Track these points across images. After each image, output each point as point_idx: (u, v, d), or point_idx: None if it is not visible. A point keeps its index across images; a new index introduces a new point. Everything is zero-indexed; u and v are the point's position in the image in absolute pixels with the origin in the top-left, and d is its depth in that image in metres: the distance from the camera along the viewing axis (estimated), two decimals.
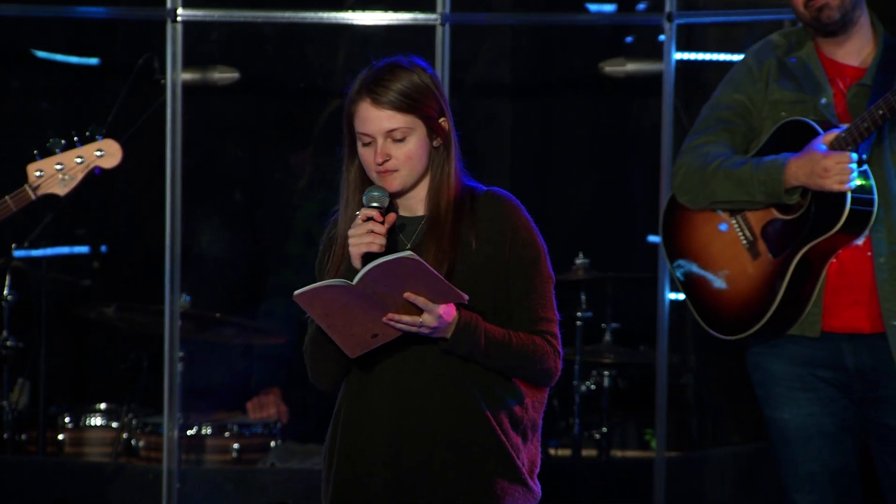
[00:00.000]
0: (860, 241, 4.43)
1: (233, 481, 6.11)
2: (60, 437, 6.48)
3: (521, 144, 7.43)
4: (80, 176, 4.89)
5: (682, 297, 4.82)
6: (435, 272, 3.34)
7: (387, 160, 3.48)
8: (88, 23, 7.14)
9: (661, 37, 6.21)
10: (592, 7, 7.40)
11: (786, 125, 4.49)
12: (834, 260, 4.44)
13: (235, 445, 6.35)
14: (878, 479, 4.58)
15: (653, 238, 6.91)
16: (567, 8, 7.34)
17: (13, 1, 6.31)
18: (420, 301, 3.37)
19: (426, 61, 3.57)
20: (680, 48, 6.33)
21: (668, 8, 6.11)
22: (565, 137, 7.49)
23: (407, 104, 3.49)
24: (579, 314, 6.58)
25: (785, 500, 4.59)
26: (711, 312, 4.63)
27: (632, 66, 6.73)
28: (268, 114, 7.44)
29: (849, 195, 4.34)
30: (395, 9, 6.33)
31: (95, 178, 4.92)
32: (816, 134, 4.39)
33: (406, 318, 3.37)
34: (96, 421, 6.52)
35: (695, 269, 4.68)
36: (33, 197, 4.86)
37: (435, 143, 3.54)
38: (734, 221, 4.58)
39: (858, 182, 4.36)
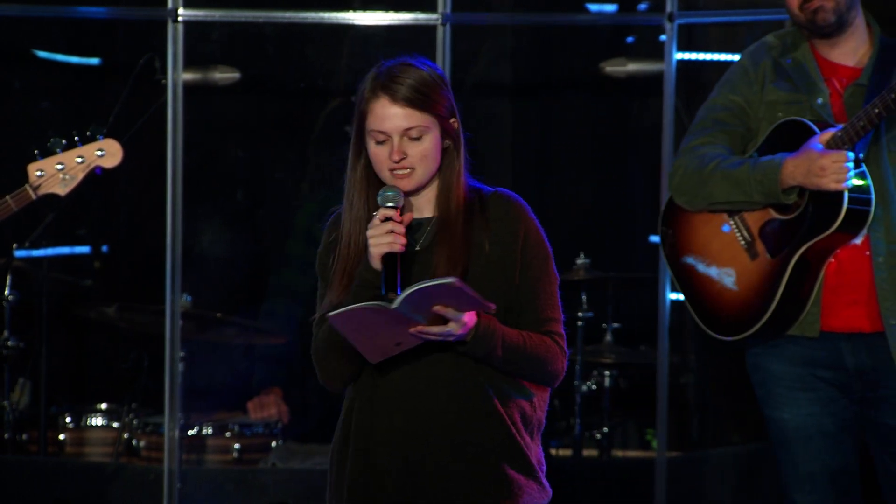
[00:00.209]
0: (858, 241, 4.43)
1: (234, 481, 6.11)
2: (61, 437, 6.48)
3: (521, 144, 7.43)
4: (80, 176, 4.89)
5: (682, 297, 4.81)
6: (473, 293, 3.33)
7: (403, 159, 3.48)
8: (89, 23, 7.14)
9: (662, 37, 6.21)
10: (593, 7, 7.40)
11: (782, 125, 4.49)
12: (832, 259, 4.44)
13: (236, 445, 6.35)
14: (878, 479, 4.58)
15: (653, 238, 6.91)
16: (568, 8, 7.33)
17: (13, 1, 6.31)
18: (449, 312, 3.36)
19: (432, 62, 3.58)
20: (681, 48, 6.32)
21: (669, 8, 6.10)
22: (566, 137, 7.49)
23: (423, 103, 3.48)
24: (580, 314, 6.59)
25: (785, 500, 4.59)
26: (710, 314, 4.63)
27: (633, 66, 6.73)
28: (268, 114, 7.44)
29: (846, 194, 4.34)
30: (396, 9, 6.32)
31: (96, 178, 4.92)
32: (813, 133, 4.39)
33: (434, 329, 3.37)
34: (97, 421, 6.52)
35: (693, 269, 4.68)
36: (34, 197, 4.86)
37: (445, 144, 3.54)
38: (732, 222, 4.58)
39: (855, 181, 4.36)
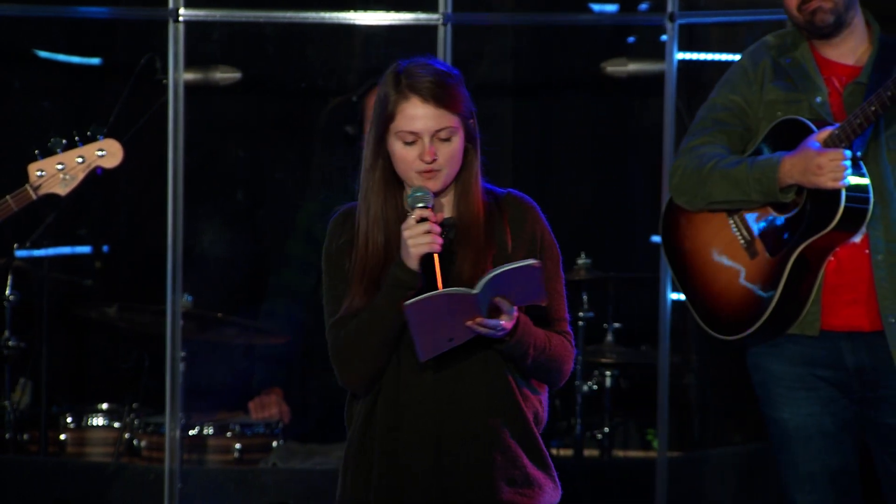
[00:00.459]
0: (857, 239, 4.43)
1: (234, 481, 6.11)
2: (62, 436, 6.48)
3: (522, 144, 7.43)
4: (81, 176, 4.89)
5: (683, 297, 4.82)
6: (542, 280, 3.36)
7: (434, 160, 3.47)
8: (90, 23, 7.13)
9: (663, 37, 6.20)
10: (594, 7, 7.40)
11: (781, 124, 4.49)
12: (832, 258, 4.44)
13: (237, 445, 6.34)
14: (879, 479, 4.58)
15: (654, 238, 6.91)
16: (569, 8, 7.33)
17: (14, 1, 6.31)
18: (505, 305, 3.38)
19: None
20: (682, 48, 6.32)
21: (669, 8, 6.10)
22: (566, 137, 7.49)
23: (451, 103, 3.48)
24: (581, 314, 6.59)
25: (785, 500, 4.59)
26: (711, 313, 4.63)
27: (633, 66, 6.72)
28: (269, 114, 7.44)
29: (843, 192, 4.34)
30: (397, 9, 6.32)
31: (97, 178, 4.92)
32: (811, 132, 4.39)
33: (490, 321, 3.38)
34: (98, 421, 6.52)
35: (694, 269, 4.69)
36: (34, 197, 4.86)
37: (465, 144, 3.54)
38: (732, 221, 4.58)
39: (853, 179, 4.36)
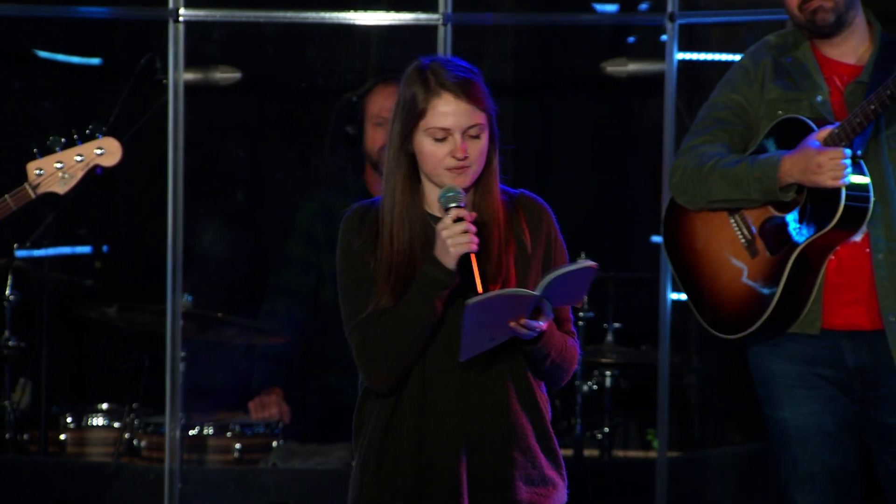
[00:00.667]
0: (858, 238, 4.43)
1: (234, 481, 6.11)
2: (62, 437, 6.47)
3: (522, 144, 7.42)
4: (79, 174, 4.88)
5: (683, 297, 4.82)
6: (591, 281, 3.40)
7: (466, 156, 3.48)
8: (89, 23, 7.13)
9: (663, 37, 6.20)
10: (595, 7, 7.40)
11: (781, 123, 4.49)
12: (832, 257, 4.44)
13: (237, 445, 6.34)
14: (879, 479, 4.57)
15: (655, 238, 6.91)
16: (569, 8, 7.32)
17: (14, 1, 6.31)
18: (547, 306, 3.40)
19: None
20: (682, 48, 6.32)
21: (670, 8, 6.10)
22: (566, 137, 7.49)
23: (482, 100, 3.50)
24: (581, 314, 6.58)
25: (785, 499, 4.59)
26: (712, 312, 4.63)
27: (633, 66, 6.72)
28: (269, 114, 7.44)
29: (843, 191, 4.34)
30: (397, 9, 6.32)
31: (97, 178, 4.92)
32: (811, 131, 4.39)
33: (532, 322, 3.40)
34: (98, 421, 6.51)
35: (695, 268, 4.69)
36: (33, 195, 4.85)
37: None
38: (732, 220, 4.58)
39: (854, 178, 4.36)
